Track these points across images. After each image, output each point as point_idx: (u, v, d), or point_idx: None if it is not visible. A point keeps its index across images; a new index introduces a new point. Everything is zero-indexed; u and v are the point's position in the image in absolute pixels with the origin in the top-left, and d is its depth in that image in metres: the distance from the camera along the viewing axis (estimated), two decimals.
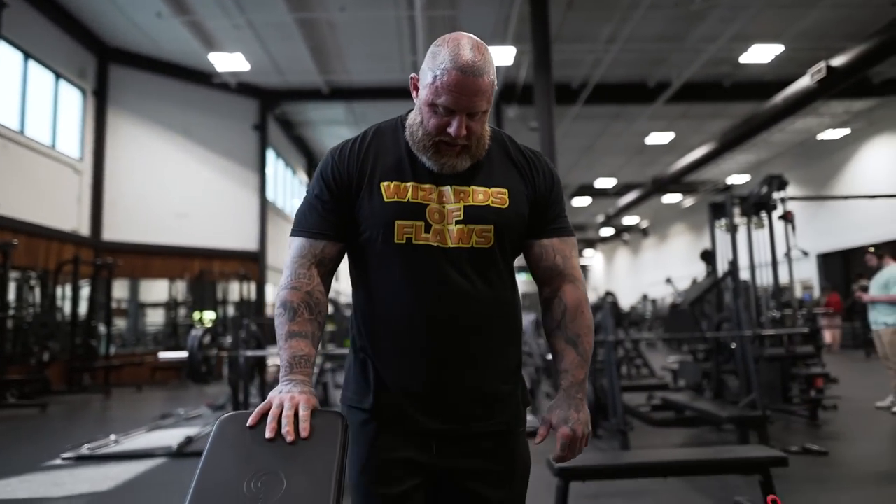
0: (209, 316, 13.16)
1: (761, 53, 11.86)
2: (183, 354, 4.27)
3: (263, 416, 1.12)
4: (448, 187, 1.31)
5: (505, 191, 1.35)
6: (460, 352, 1.30)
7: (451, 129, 1.24)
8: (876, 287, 6.25)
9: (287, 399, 1.14)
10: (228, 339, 5.51)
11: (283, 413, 1.11)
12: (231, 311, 13.51)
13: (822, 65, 10.22)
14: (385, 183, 1.30)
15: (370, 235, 1.30)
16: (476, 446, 1.33)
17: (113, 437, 5.63)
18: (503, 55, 11.20)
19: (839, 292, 15.28)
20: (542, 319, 1.45)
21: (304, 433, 1.09)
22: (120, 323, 13.13)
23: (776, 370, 6.04)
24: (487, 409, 1.34)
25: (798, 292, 19.06)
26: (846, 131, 16.57)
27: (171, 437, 5.66)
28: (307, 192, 1.40)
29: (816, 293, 18.22)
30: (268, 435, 1.09)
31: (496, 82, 1.28)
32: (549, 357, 5.79)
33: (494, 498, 1.33)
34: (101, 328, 10.95)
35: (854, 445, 4.87)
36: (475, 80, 1.22)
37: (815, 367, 5.87)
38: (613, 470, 2.83)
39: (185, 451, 5.05)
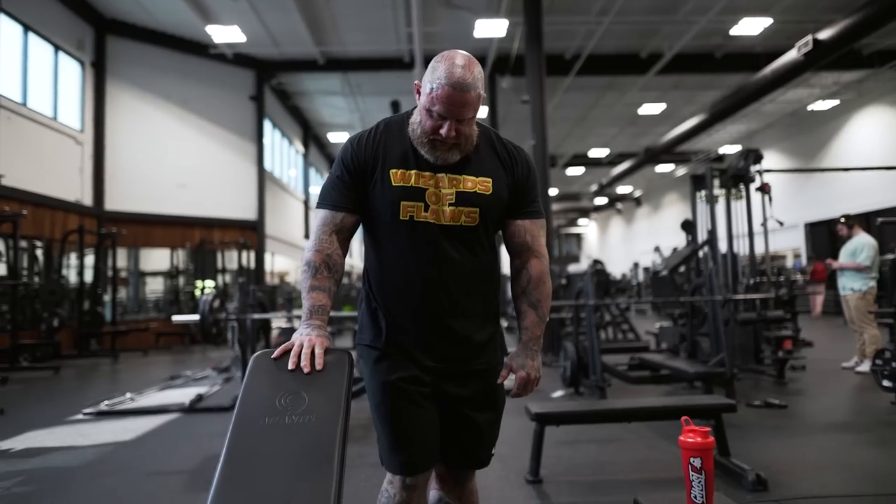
0: (209, 284, 13.52)
1: (751, 26, 12.02)
2: (195, 317, 4.61)
3: (287, 352, 1.47)
4: (444, 175, 1.61)
5: (489, 179, 1.65)
6: (450, 307, 1.62)
7: (443, 131, 1.53)
8: (845, 255, 6.62)
9: (306, 340, 1.48)
10: (231, 306, 5.87)
11: (303, 351, 1.45)
12: (230, 279, 13.87)
13: (808, 38, 10.45)
14: (393, 170, 1.60)
15: (381, 212, 1.61)
16: (464, 380, 1.67)
17: (129, 394, 6.03)
18: (496, 27, 11.36)
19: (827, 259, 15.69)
20: (511, 285, 1.77)
21: (318, 366, 1.43)
22: (122, 291, 13.49)
23: (749, 333, 6.44)
24: (472, 353, 1.68)
25: (790, 261, 19.52)
26: (835, 102, 16.80)
27: (182, 395, 6.07)
28: (330, 173, 1.70)
29: (804, 261, 18.67)
30: (290, 367, 1.43)
31: (483, 94, 1.57)
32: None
33: (480, 419, 1.69)
34: (107, 296, 11.30)
35: (813, 400, 5.28)
36: (463, 95, 1.50)
37: (785, 331, 6.26)
38: (581, 415, 3.22)
39: (196, 408, 5.43)
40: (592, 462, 3.66)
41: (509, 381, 1.71)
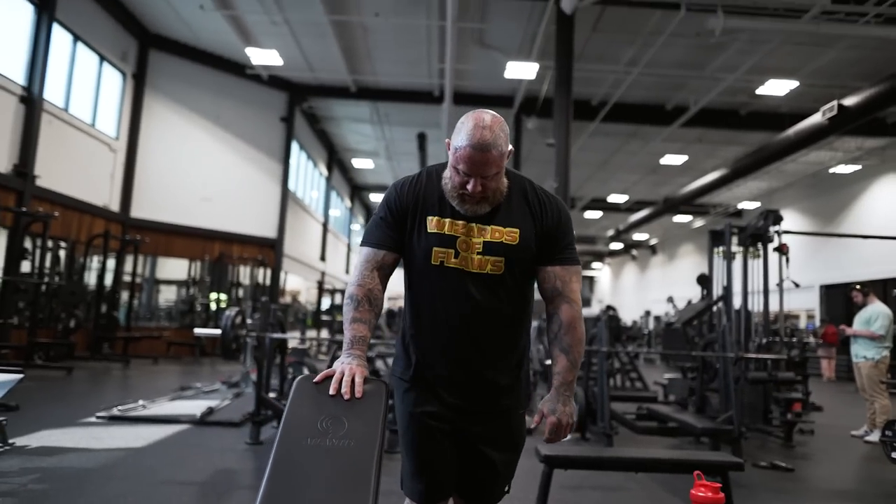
0: (223, 297, 13.67)
1: (777, 87, 12.22)
2: (217, 331, 4.73)
3: (327, 378, 1.57)
4: (475, 224, 1.71)
5: (517, 230, 1.72)
6: (475, 351, 1.72)
7: (469, 187, 1.65)
8: (859, 322, 6.63)
9: (347, 368, 1.57)
10: (249, 322, 5.99)
11: (344, 379, 1.55)
12: (243, 293, 14.03)
13: (834, 103, 10.58)
14: (430, 217, 1.72)
15: (416, 255, 1.73)
16: (485, 420, 1.76)
17: (141, 402, 6.13)
18: (526, 70, 11.63)
19: (839, 323, 15.59)
20: (546, 330, 1.84)
21: (357, 394, 1.53)
22: (137, 297, 13.68)
23: (759, 392, 6.43)
24: (494, 396, 1.76)
25: (803, 321, 19.39)
26: (858, 167, 16.87)
27: (192, 406, 6.15)
28: (374, 214, 1.83)
29: (818, 322, 18.54)
30: (331, 392, 1.53)
31: (507, 150, 1.66)
32: (548, 362, 6.23)
33: (497, 458, 1.76)
34: (124, 300, 11.49)
35: (821, 466, 5.26)
36: (484, 155, 1.61)
37: (795, 393, 6.25)
38: (591, 461, 3.26)
39: (207, 420, 5.52)
40: None
41: (537, 424, 1.79)
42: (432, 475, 1.72)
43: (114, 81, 11.83)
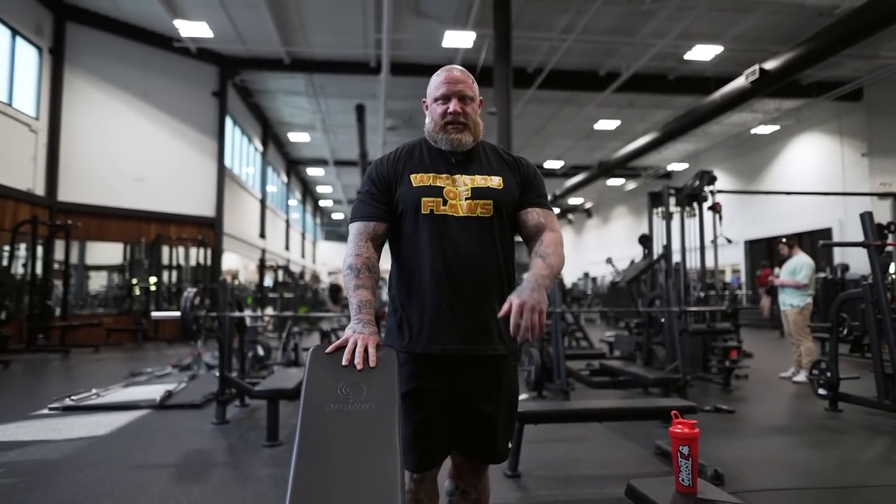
0: (153, 280, 13.26)
1: (703, 52, 12.71)
2: (176, 314, 4.66)
3: (341, 348, 1.65)
4: (459, 175, 1.84)
5: (500, 178, 1.87)
6: (466, 290, 1.78)
7: (450, 107, 1.82)
8: (785, 272, 7.14)
9: (359, 339, 1.63)
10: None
11: (357, 349, 1.61)
12: (181, 276, 13.67)
13: (756, 67, 11.12)
14: (413, 175, 1.84)
15: (404, 209, 1.83)
16: (478, 371, 1.81)
17: (94, 390, 5.98)
18: (464, 39, 11.64)
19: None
20: (529, 254, 1.88)
21: (372, 364, 1.59)
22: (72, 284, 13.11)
23: (699, 343, 6.88)
24: (485, 335, 1.80)
25: (728, 275, 20.50)
26: (776, 127, 17.82)
27: (148, 391, 6.05)
28: (359, 191, 1.94)
29: (743, 276, 19.67)
30: (344, 363, 1.61)
31: (476, 90, 1.89)
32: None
33: (495, 414, 1.83)
34: (58, 289, 11.01)
35: (757, 406, 5.71)
36: (457, 75, 1.86)
37: (731, 342, 6.71)
38: (561, 415, 3.48)
39: (167, 404, 5.46)
40: (564, 459, 3.92)
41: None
42: (426, 445, 1.80)
43: (30, 57, 11.12)
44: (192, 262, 13.91)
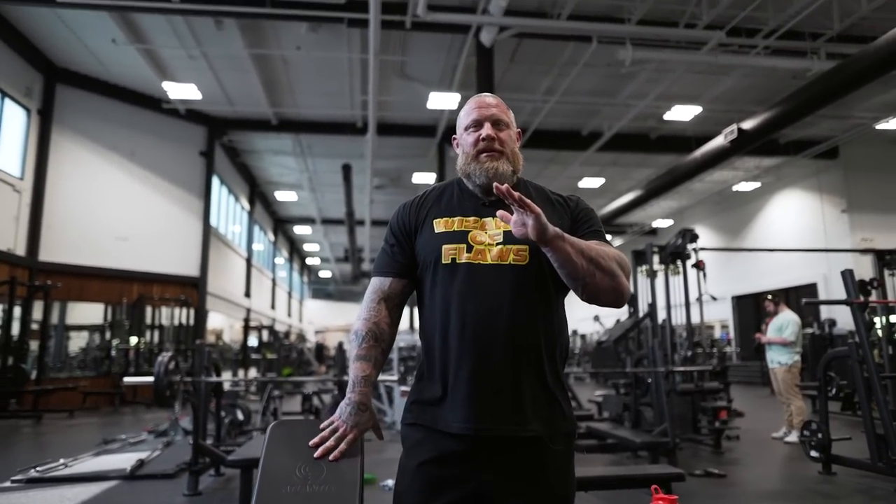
0: (145, 337, 13.02)
1: (682, 112, 13.03)
2: (149, 379, 4.51)
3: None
4: (490, 219, 1.57)
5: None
6: (493, 356, 1.45)
7: (483, 132, 1.61)
8: (772, 330, 7.09)
9: (340, 428, 1.52)
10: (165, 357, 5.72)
11: (328, 442, 1.49)
12: (166, 336, 13.42)
13: (734, 126, 11.39)
14: (436, 220, 1.61)
15: (425, 261, 1.58)
16: (507, 461, 1.45)
17: (62, 460, 5.73)
18: (448, 100, 11.88)
19: (751, 331, 16.60)
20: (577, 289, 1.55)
21: (332, 458, 1.47)
22: (48, 346, 12.81)
23: (687, 403, 6.75)
24: (517, 413, 1.44)
25: (717, 331, 20.47)
26: (757, 185, 18.14)
27: (120, 460, 5.79)
28: (384, 241, 1.73)
29: (732, 332, 19.63)
30: (310, 443, 1.50)
31: (512, 117, 1.70)
32: None
33: None
34: (33, 351, 10.73)
35: (749, 470, 5.55)
36: (489, 100, 1.67)
37: (720, 401, 6.60)
38: None
39: (137, 474, 5.22)
40: None
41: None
42: None
43: (17, 118, 11.18)
44: (176, 322, 13.68)
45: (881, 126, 13.77)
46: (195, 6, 9.32)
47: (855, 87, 9.06)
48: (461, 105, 12.15)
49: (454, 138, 1.74)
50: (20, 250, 11.02)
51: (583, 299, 1.50)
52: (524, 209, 1.33)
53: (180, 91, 11.95)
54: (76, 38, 10.80)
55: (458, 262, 1.52)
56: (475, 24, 9.80)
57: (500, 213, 1.42)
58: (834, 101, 9.66)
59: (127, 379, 4.71)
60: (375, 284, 1.65)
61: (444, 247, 1.54)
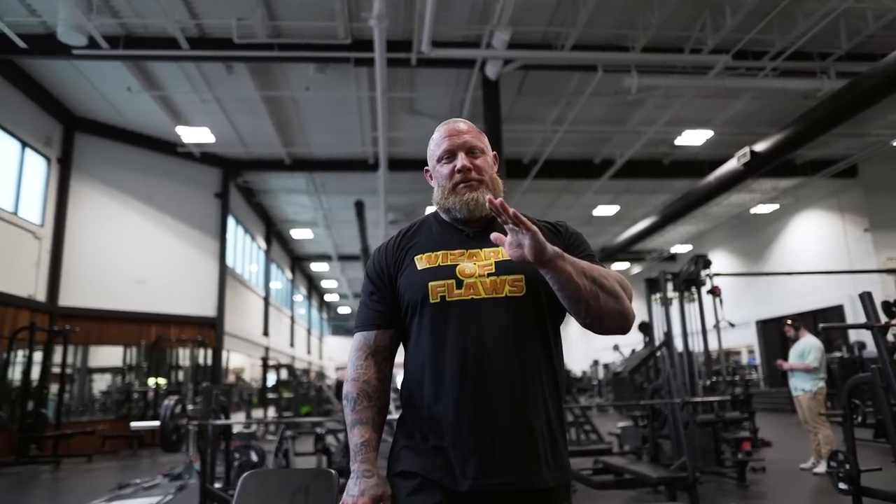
0: (162, 382, 13.06)
1: (694, 137, 12.96)
2: (155, 424, 4.48)
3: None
4: (478, 249, 1.47)
5: None
6: (496, 400, 1.34)
7: (458, 163, 1.50)
8: (794, 356, 6.88)
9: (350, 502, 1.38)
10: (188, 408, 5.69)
11: None
12: (183, 376, 13.45)
13: (746, 149, 11.28)
14: (418, 256, 1.50)
15: (410, 301, 1.46)
16: None
17: None
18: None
19: (777, 356, 16.18)
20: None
21: None
22: (68, 389, 12.89)
23: (709, 434, 6.54)
24: (517, 462, 1.34)
25: (744, 357, 20.00)
26: (776, 206, 17.89)
27: None
28: (362, 292, 1.62)
29: (758, 357, 19.16)
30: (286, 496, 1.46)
31: (486, 141, 1.61)
32: None
33: None
34: (53, 394, 10.80)
35: None
36: (459, 126, 1.58)
37: (743, 432, 6.38)
38: None
39: None
40: None
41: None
42: None
43: (38, 167, 11.47)
44: (196, 362, 13.71)
45: None
46: (205, 52, 9.56)
47: (867, 105, 8.95)
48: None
49: (427, 171, 1.64)
50: (40, 296, 11.19)
51: (585, 325, 1.41)
52: (519, 226, 1.26)
53: (194, 135, 12.21)
54: (93, 87, 11.11)
55: (448, 300, 1.41)
56: (480, 59, 9.90)
57: (494, 235, 1.32)
58: (847, 120, 9.55)
59: (134, 424, 4.69)
60: (360, 340, 1.53)
61: (431, 284, 1.43)
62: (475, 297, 1.40)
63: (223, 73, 10.52)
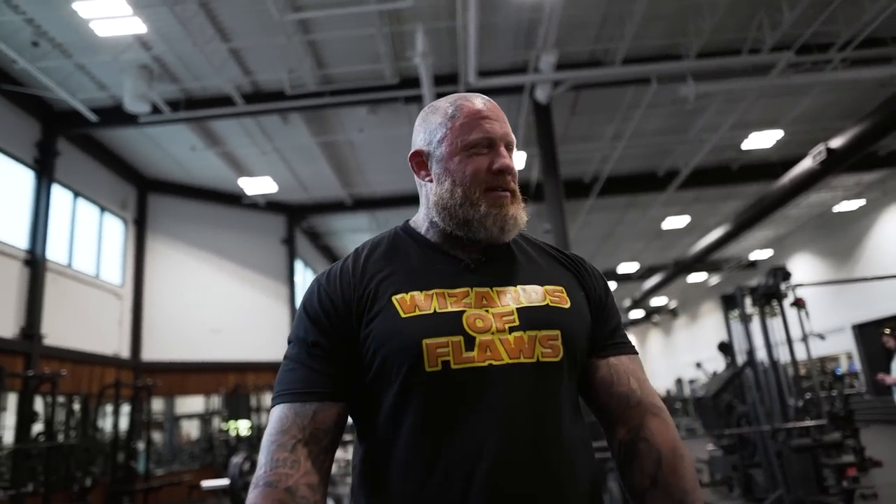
0: (244, 424, 13.30)
1: (762, 139, 12.33)
2: (225, 482, 4.50)
3: None
4: (488, 289, 1.04)
5: (562, 288, 1.09)
6: None
7: (498, 164, 1.07)
8: None
9: None
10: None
11: None
12: (265, 417, 13.71)
13: (821, 147, 10.60)
14: (399, 295, 1.02)
15: (386, 370, 0.98)
16: None
17: None
18: (515, 159, 11.80)
19: (879, 360, 14.93)
20: (623, 475, 1.06)
21: None
22: (156, 437, 13.37)
23: (807, 460, 6.00)
24: None
25: (844, 364, 18.61)
26: (861, 202, 16.72)
27: None
28: (289, 342, 1.10)
29: (857, 364, 17.78)
30: None
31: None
32: None
33: None
34: (140, 447, 11.21)
35: None
36: (495, 110, 1.13)
37: (846, 456, 5.83)
38: None
39: None
40: None
41: None
42: None
43: (115, 229, 12.13)
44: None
45: None
46: (260, 106, 9.92)
47: None
48: (527, 162, 12.01)
49: (420, 153, 1.15)
50: (124, 352, 11.73)
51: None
52: None
53: (257, 185, 12.63)
54: (160, 149, 11.71)
55: (453, 367, 0.95)
56: (528, 84, 9.79)
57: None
58: None
59: (205, 484, 4.73)
60: (286, 417, 0.99)
61: (428, 342, 0.96)
62: (494, 362, 0.95)
63: (279, 123, 10.86)
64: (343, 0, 7.95)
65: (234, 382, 13.32)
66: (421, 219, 1.17)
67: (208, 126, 10.93)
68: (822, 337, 6.76)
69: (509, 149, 1.14)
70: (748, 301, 6.73)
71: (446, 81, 9.66)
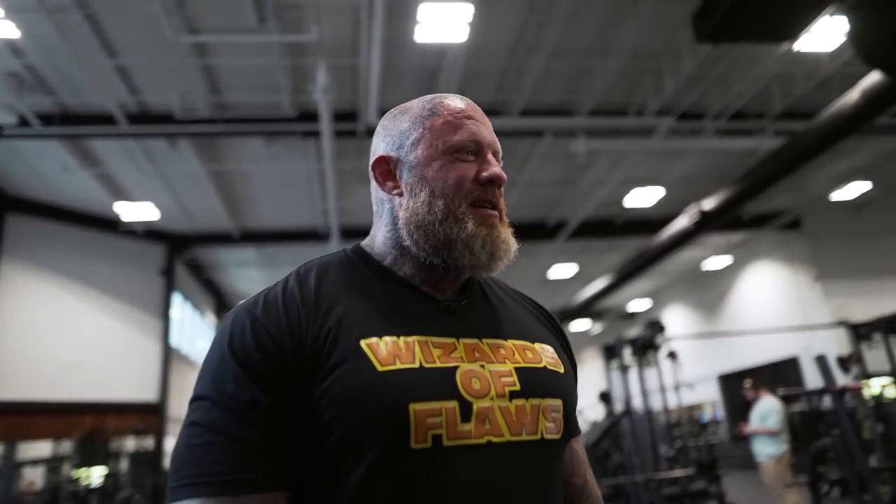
0: (98, 472, 12.04)
1: (644, 196, 13.12)
2: None
3: None
4: (477, 340, 0.84)
5: (552, 349, 0.94)
6: None
7: (489, 172, 0.89)
8: (755, 419, 6.68)
9: None
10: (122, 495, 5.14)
11: None
12: (124, 464, 12.50)
13: (695, 207, 11.44)
14: (370, 340, 0.78)
15: (351, 444, 0.73)
16: None
17: None
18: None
19: (740, 409, 16.04)
20: None
21: None
22: None
23: None
24: None
25: (709, 412, 19.83)
26: (728, 260, 18.18)
27: None
28: (197, 399, 0.82)
29: (721, 412, 19.03)
30: None
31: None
32: None
33: None
34: None
35: None
36: (480, 109, 0.95)
37: (710, 503, 6.09)
38: None
39: None
40: None
41: None
42: None
43: None
44: (136, 451, 12.79)
45: (835, 197, 14.01)
46: (145, 128, 9.34)
47: (804, 161, 9.23)
48: None
49: (386, 160, 0.98)
50: None
51: None
52: None
53: (136, 211, 11.79)
54: (28, 166, 10.69)
55: (445, 443, 0.74)
56: None
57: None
58: (786, 176, 9.81)
59: None
60: None
61: (416, 408, 0.73)
62: (494, 439, 0.76)
63: (166, 148, 10.20)
64: (244, 27, 7.71)
65: (90, 425, 12.09)
66: (381, 243, 0.95)
67: (85, 145, 10.11)
68: (691, 386, 7.12)
69: (497, 159, 0.95)
70: (627, 352, 7.00)
71: (347, 118, 9.56)
